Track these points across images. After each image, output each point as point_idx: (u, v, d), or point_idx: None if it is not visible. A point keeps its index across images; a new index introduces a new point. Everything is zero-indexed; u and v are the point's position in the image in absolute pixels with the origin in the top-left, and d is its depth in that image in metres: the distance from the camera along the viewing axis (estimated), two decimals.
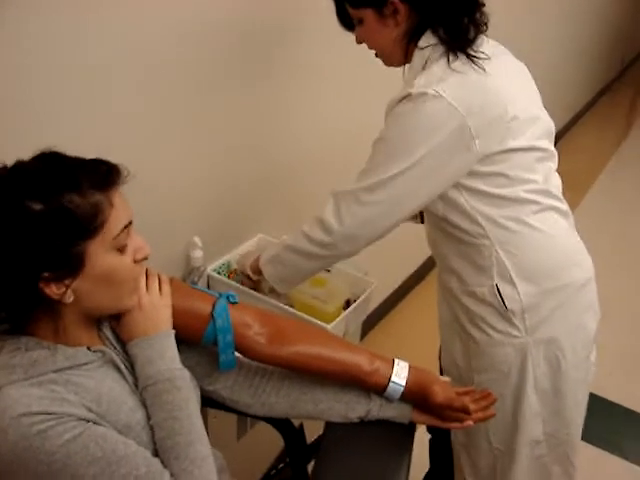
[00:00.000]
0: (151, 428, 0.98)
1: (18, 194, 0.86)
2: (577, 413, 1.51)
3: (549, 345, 1.38)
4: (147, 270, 1.06)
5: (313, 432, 1.41)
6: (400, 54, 1.33)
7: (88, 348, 0.97)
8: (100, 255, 0.90)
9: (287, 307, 1.64)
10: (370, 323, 2.85)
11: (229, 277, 1.78)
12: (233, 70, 1.65)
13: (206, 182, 1.71)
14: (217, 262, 1.81)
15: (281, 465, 1.67)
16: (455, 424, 1.18)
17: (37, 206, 0.85)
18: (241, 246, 1.89)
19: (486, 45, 1.30)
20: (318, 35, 1.85)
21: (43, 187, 0.86)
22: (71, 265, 0.89)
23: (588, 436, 1.66)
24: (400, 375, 1.15)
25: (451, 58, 1.25)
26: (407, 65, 1.36)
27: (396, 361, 1.17)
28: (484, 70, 1.24)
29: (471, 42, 1.27)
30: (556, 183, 1.40)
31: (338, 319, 1.62)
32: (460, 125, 1.21)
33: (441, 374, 1.66)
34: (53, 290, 0.88)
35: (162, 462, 0.95)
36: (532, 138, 1.30)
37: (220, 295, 1.13)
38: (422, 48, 1.28)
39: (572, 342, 1.40)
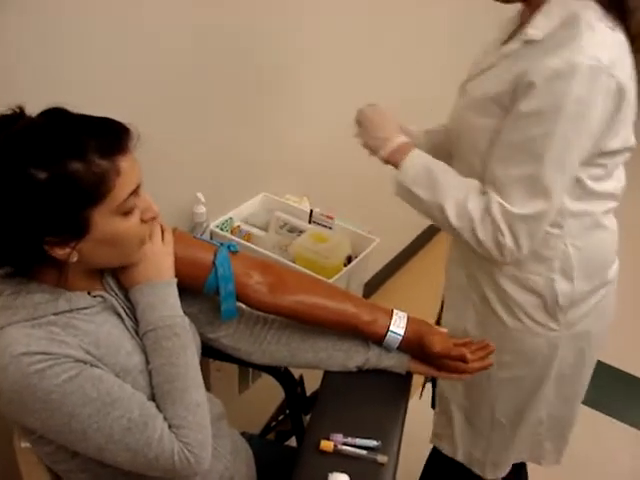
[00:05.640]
0: (149, 373, 0.99)
1: (22, 160, 0.85)
2: (581, 395, 1.50)
3: (581, 338, 1.35)
4: None
5: (313, 386, 1.42)
6: None
7: (88, 293, 0.99)
8: (105, 220, 0.90)
9: (288, 262, 1.64)
10: (372, 286, 2.86)
11: (232, 233, 1.79)
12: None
13: (210, 139, 1.71)
14: (220, 218, 1.82)
15: (281, 417, 1.70)
16: (453, 374, 1.19)
17: (41, 174, 0.84)
18: (244, 204, 1.90)
19: None
20: None
21: (46, 154, 0.85)
22: (74, 231, 0.89)
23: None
24: (399, 325, 1.16)
25: None
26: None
27: (395, 311, 1.18)
28: None
29: None
30: None
31: (339, 274, 1.63)
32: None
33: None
34: (57, 252, 0.90)
35: (158, 407, 0.96)
36: (630, 136, 1.23)
37: (221, 244, 1.14)
38: None
39: (601, 334, 1.39)
